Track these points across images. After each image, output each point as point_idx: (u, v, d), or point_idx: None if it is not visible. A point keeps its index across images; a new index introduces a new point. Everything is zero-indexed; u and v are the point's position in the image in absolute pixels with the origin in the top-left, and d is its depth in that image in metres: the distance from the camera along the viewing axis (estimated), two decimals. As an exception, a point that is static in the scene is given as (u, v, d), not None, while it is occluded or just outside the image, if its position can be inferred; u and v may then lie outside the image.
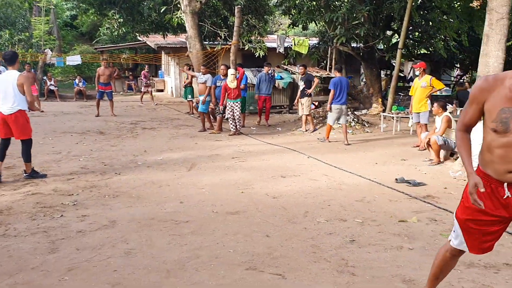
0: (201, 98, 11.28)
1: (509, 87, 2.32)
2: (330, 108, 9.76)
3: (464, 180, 6.41)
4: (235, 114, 10.80)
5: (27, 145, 6.54)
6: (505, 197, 2.43)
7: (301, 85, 11.56)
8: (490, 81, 2.41)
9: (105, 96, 14.20)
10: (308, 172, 7.06)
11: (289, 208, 5.15)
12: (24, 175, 6.55)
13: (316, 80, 11.67)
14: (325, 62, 18.55)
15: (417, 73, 9.42)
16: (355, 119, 11.97)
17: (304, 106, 11.34)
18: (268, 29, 23.34)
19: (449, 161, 7.47)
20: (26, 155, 6.52)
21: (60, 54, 22.74)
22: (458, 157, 7.34)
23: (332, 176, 6.78)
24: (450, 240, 2.78)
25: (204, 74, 11.44)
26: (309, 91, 11.32)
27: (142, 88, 18.66)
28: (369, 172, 7.00)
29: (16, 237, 4.24)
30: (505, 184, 2.42)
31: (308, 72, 12.33)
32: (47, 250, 3.95)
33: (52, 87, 20.11)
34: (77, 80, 20.82)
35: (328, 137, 10.02)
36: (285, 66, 17.22)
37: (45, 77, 20.33)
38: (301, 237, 4.26)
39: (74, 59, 21.44)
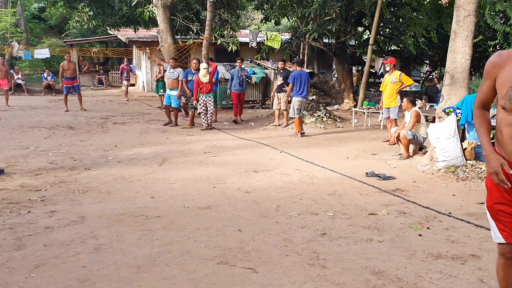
0: (173, 92, 11.06)
1: None
2: (290, 101, 10.17)
3: (432, 173, 6.57)
4: (208, 109, 10.75)
5: None
6: None
7: (280, 80, 11.56)
8: (504, 56, 2.30)
9: (72, 91, 13.90)
10: (280, 166, 7.09)
11: (261, 203, 5.16)
12: None
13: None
14: (297, 57, 18.67)
15: (387, 68, 9.57)
16: (327, 114, 12.09)
17: (281, 101, 11.36)
18: (241, 24, 23.29)
19: (418, 155, 7.62)
20: None
21: (27, 47, 22.12)
22: (426, 151, 7.51)
23: (304, 170, 6.83)
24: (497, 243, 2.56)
25: (174, 68, 11.22)
26: (288, 88, 11.34)
27: (125, 82, 18.11)
28: (340, 166, 7.09)
29: (-20, 235, 4.12)
30: None
31: (287, 68, 12.35)
32: (13, 247, 3.85)
33: (19, 81, 19.55)
34: (45, 74, 20.31)
35: (299, 131, 10.09)
36: (258, 61, 17.22)
37: (12, 71, 19.72)
38: (273, 231, 4.27)
39: (42, 53, 20.89)
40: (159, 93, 15.14)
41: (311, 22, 13.84)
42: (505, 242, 2.46)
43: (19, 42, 20.56)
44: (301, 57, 17.54)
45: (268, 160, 7.57)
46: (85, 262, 3.57)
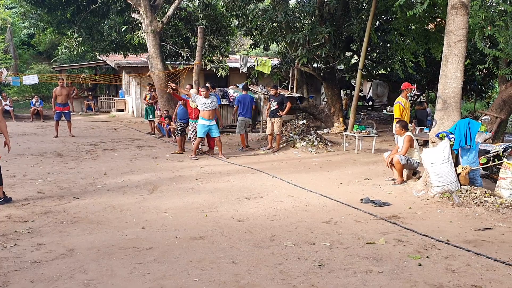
0: (212, 123, 10.20)
1: None
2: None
3: (427, 199, 6.51)
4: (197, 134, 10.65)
5: None
6: None
7: (274, 105, 11.54)
8: None
9: (63, 117, 13.75)
10: (273, 193, 6.98)
11: (255, 232, 5.04)
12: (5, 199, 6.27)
13: (289, 104, 11.62)
14: (286, 82, 18.78)
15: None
16: (317, 138, 12.07)
17: (275, 126, 11.36)
18: (230, 49, 23.46)
19: (412, 180, 7.58)
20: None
21: (16, 73, 21.97)
22: (420, 176, 7.47)
23: (298, 197, 6.73)
24: None
25: (206, 98, 10.10)
26: (283, 113, 11.35)
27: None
28: (334, 192, 7.01)
29: (-37, 270, 3.94)
30: None
31: (281, 93, 12.37)
32: (-3, 284, 3.68)
33: (7, 107, 19.31)
34: (34, 100, 20.12)
35: (244, 145, 11.69)
36: (249, 86, 17.25)
37: (0, 97, 19.54)
38: (269, 262, 4.15)
39: (30, 79, 20.74)
40: (149, 119, 15.06)
41: (300, 48, 13.97)
42: None
43: (8, 68, 20.43)
44: (290, 82, 17.70)
45: (261, 186, 7.47)
46: (73, 299, 3.41)
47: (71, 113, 14.37)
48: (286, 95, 16.13)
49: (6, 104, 19.39)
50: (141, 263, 4.13)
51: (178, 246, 4.59)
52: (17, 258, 4.25)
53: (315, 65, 15.73)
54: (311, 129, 12.95)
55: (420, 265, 4.09)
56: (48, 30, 19.55)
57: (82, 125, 17.46)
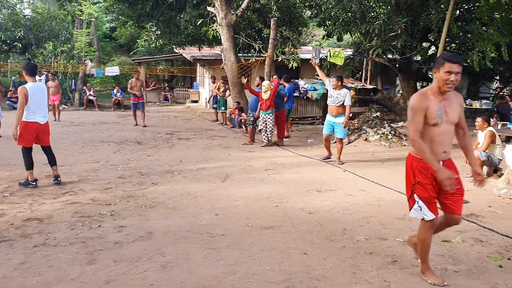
0: (339, 119, 8.63)
1: None
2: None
3: (510, 198, 6.14)
4: (267, 126, 10.75)
5: (51, 150, 6.93)
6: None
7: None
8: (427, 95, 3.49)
9: (138, 107, 14.47)
10: (344, 186, 6.92)
11: (326, 225, 5.04)
12: (57, 180, 6.86)
13: (352, 92, 11.44)
14: (360, 73, 18.38)
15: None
16: (391, 132, 11.73)
17: None
18: (302, 40, 23.34)
19: (492, 178, 7.18)
20: (55, 158, 6.94)
21: (99, 65, 23.34)
22: (501, 174, 7.05)
23: (370, 191, 6.62)
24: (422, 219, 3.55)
25: (338, 90, 8.63)
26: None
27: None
28: (408, 187, 6.79)
29: (55, 247, 4.29)
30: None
31: (344, 84, 12.11)
32: (85, 261, 3.97)
33: (91, 97, 20.63)
34: (115, 90, 21.30)
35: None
36: (319, 78, 17.09)
37: (84, 87, 20.88)
38: (340, 256, 4.14)
39: (113, 70, 21.94)
40: (221, 110, 15.42)
41: (375, 38, 13.59)
42: (435, 217, 3.52)
43: (92, 60, 21.74)
44: (363, 73, 17.31)
45: (331, 179, 7.42)
46: (152, 279, 3.61)
47: (149, 104, 15.08)
48: (358, 87, 15.84)
49: (90, 94, 20.70)
50: (215, 248, 4.28)
51: (250, 234, 4.70)
52: (101, 238, 4.57)
53: (390, 56, 15.24)
54: (385, 122, 12.61)
55: (501, 266, 3.89)
56: (128, 23, 20.56)
57: (159, 115, 18.25)
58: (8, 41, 21.93)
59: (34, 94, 6.54)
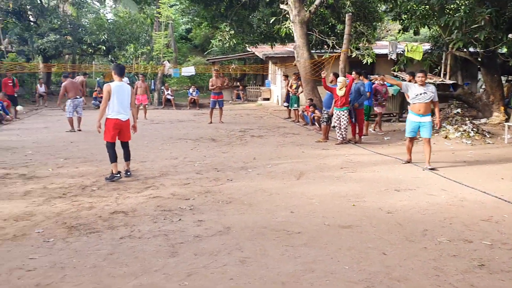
0: (426, 119, 7.96)
1: None
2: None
3: None
4: (341, 123, 10.58)
5: (128, 146, 7.45)
6: None
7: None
8: None
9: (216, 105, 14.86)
10: (424, 186, 6.65)
11: (406, 225, 4.88)
12: (127, 173, 7.33)
13: (437, 109, 10.86)
14: (438, 68, 17.55)
15: None
16: (474, 129, 11.11)
17: None
18: (376, 35, 22.71)
19: None
20: (130, 154, 7.49)
21: (176, 65, 24.28)
22: None
23: (452, 191, 6.32)
24: None
25: (422, 85, 7.94)
26: (438, 122, 10.61)
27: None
28: (494, 188, 6.41)
29: (140, 239, 4.52)
30: None
31: (428, 82, 11.63)
32: (167, 254, 4.14)
33: (169, 96, 21.51)
34: (191, 90, 22.05)
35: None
36: (395, 73, 16.55)
37: (163, 87, 21.80)
38: (421, 257, 3.99)
39: (188, 70, 22.75)
40: (293, 108, 15.43)
41: (455, 31, 12.90)
42: None
43: (169, 61, 22.67)
44: (442, 68, 16.49)
45: (410, 178, 7.17)
46: (232, 274, 3.70)
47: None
48: (437, 82, 15.13)
49: (168, 93, 21.58)
50: (292, 246, 4.30)
51: (327, 232, 4.67)
52: (182, 232, 4.74)
53: (471, 49, 14.40)
54: (467, 118, 11.96)
55: None
56: (203, 24, 21.16)
57: (232, 113, 18.62)
58: (93, 44, 23.42)
59: (118, 93, 7.02)
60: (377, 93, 12.77)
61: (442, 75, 16.78)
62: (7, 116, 14.94)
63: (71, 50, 23.77)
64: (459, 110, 13.20)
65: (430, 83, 11.13)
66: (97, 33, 22.84)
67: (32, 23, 24.41)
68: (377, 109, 12.96)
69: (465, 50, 14.14)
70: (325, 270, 3.74)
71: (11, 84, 16.48)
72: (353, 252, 4.13)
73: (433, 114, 8.15)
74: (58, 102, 13.71)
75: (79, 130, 12.93)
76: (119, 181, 6.98)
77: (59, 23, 22.54)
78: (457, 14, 12.64)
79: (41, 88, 21.52)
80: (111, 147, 7.12)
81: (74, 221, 5.04)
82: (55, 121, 15.47)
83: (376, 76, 16.11)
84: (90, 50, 24.93)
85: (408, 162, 8.43)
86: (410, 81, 9.96)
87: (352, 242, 4.37)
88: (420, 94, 7.84)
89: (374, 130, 12.89)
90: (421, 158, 8.68)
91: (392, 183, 6.82)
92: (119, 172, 7.09)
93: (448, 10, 13.41)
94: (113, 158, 7.08)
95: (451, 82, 15.79)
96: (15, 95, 16.82)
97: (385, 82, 12.79)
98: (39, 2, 23.55)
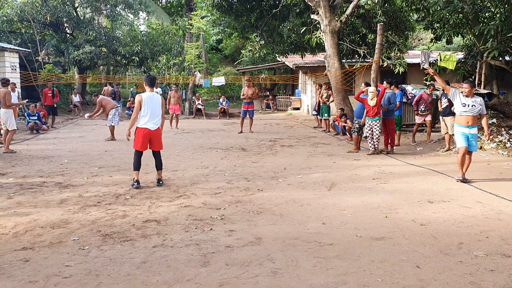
0: (473, 131, 7.70)
1: None
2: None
3: None
4: (373, 133, 10.47)
5: (160, 155, 7.59)
6: None
7: (444, 102, 10.82)
8: None
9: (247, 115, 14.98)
10: (458, 197, 6.51)
11: (440, 238, 4.78)
12: (159, 182, 7.48)
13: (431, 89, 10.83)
14: (472, 77, 17.17)
15: None
16: (510, 140, 10.80)
17: (448, 125, 10.62)
18: (408, 44, 22.42)
19: None
20: (162, 163, 7.61)
21: (207, 75, 24.61)
22: None
23: (488, 203, 6.15)
24: None
25: (470, 97, 7.72)
26: (487, 129, 10.29)
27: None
28: (533, 201, 6.21)
29: (172, 248, 4.58)
30: None
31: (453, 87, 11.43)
32: (199, 263, 4.17)
33: (199, 106, 21.80)
34: (221, 100, 22.28)
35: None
36: (428, 83, 16.29)
37: (194, 97, 22.12)
38: (457, 271, 3.90)
39: (219, 80, 23.02)
40: (324, 117, 15.38)
41: (490, 40, 12.65)
42: None
43: (200, 71, 23.01)
44: (477, 78, 16.12)
45: (444, 189, 7.02)
46: (264, 285, 3.70)
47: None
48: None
49: (198, 103, 21.86)
50: (324, 257, 4.27)
51: (359, 244, 4.62)
52: (213, 241, 4.77)
53: (507, 57, 14.07)
54: (503, 129, 11.65)
55: None
56: (234, 35, 21.42)
57: (262, 122, 18.69)
58: (126, 55, 24.00)
59: (148, 103, 7.20)
60: (420, 103, 12.43)
61: (476, 84, 16.38)
62: (44, 126, 15.42)
63: (105, 61, 24.43)
64: (494, 120, 12.88)
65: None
66: (130, 45, 23.41)
67: (68, 35, 25.27)
68: (419, 120, 12.53)
69: (500, 59, 13.83)
70: (357, 282, 3.71)
71: (51, 94, 17.04)
72: (386, 264, 4.07)
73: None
74: (93, 116, 14.04)
75: (113, 139, 13.26)
76: (152, 190, 7.10)
77: (94, 35, 23.22)
78: (492, 23, 12.41)
79: (76, 98, 22.18)
80: (137, 155, 7.35)
81: (108, 229, 5.15)
82: (90, 130, 15.89)
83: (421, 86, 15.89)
84: (124, 61, 25.55)
85: (464, 181, 7.58)
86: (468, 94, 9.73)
87: (385, 255, 4.31)
88: (468, 105, 7.64)
89: (428, 142, 12.33)
90: (454, 169, 8.49)
91: (425, 194, 6.70)
92: (137, 181, 7.29)
93: (482, 19, 13.17)
94: (136, 166, 7.31)
95: (486, 91, 15.38)
96: (55, 105, 17.36)
97: (415, 89, 12.61)
98: (75, 14, 24.35)
